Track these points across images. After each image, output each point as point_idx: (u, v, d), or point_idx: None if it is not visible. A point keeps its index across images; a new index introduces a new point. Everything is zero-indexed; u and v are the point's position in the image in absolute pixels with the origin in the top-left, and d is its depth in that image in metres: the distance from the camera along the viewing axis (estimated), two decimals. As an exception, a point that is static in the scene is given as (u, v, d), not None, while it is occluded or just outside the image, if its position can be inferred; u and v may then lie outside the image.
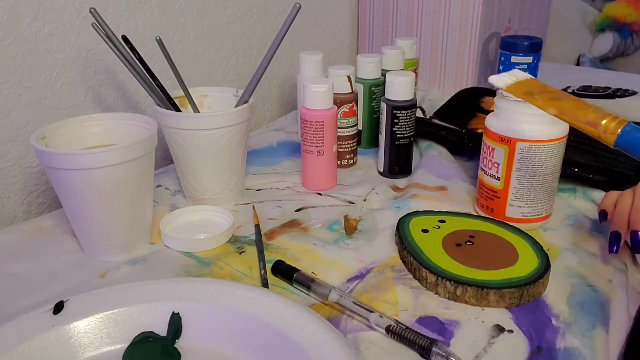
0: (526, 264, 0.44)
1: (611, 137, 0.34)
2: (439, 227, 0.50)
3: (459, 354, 0.36)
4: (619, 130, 0.34)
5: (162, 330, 0.38)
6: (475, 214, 0.54)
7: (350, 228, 0.53)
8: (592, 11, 1.42)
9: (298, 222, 0.55)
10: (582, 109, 0.36)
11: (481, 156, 0.54)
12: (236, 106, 0.55)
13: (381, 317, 0.39)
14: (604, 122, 0.35)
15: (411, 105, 0.61)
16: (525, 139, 0.49)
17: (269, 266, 0.46)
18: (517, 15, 1.02)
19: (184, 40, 0.73)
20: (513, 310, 0.41)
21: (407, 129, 0.62)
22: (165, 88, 0.53)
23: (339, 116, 0.65)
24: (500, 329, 0.39)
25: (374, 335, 0.39)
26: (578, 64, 1.46)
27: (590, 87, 0.91)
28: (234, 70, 0.82)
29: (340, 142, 0.66)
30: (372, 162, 0.69)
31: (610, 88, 0.90)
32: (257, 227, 0.52)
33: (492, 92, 0.81)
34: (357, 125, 0.67)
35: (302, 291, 0.43)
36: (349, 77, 0.65)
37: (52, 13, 0.58)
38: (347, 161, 0.68)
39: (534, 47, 0.85)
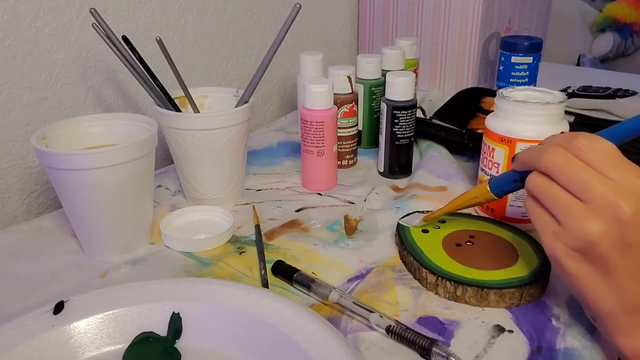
0: (526, 264, 0.44)
1: (488, 195, 0.43)
2: (439, 227, 0.50)
3: (459, 354, 0.36)
4: (487, 187, 0.43)
5: (162, 330, 0.38)
6: (475, 214, 0.54)
7: (350, 228, 0.53)
8: (592, 11, 1.42)
9: (298, 222, 0.55)
10: (460, 199, 0.46)
11: (481, 156, 0.54)
12: (236, 106, 0.55)
13: (381, 317, 0.39)
14: (476, 194, 0.44)
15: (411, 105, 0.61)
16: (525, 139, 0.49)
17: (269, 266, 0.46)
18: (517, 15, 1.02)
19: (184, 40, 0.73)
20: (513, 310, 0.41)
21: (407, 129, 0.62)
22: (165, 88, 0.53)
23: (339, 116, 0.65)
24: (500, 329, 0.39)
25: (374, 335, 0.39)
26: (578, 64, 1.46)
27: (590, 87, 0.91)
28: (234, 70, 0.82)
29: (340, 142, 0.66)
30: (372, 162, 0.69)
31: (610, 88, 0.90)
32: (257, 227, 0.52)
33: (492, 92, 0.81)
34: (357, 125, 0.67)
35: (302, 291, 0.43)
36: (349, 77, 0.65)
37: (52, 13, 0.58)
38: (347, 161, 0.68)
39: (534, 47, 0.85)
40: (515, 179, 0.40)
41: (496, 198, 0.43)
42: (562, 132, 0.41)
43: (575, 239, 0.33)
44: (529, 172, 0.37)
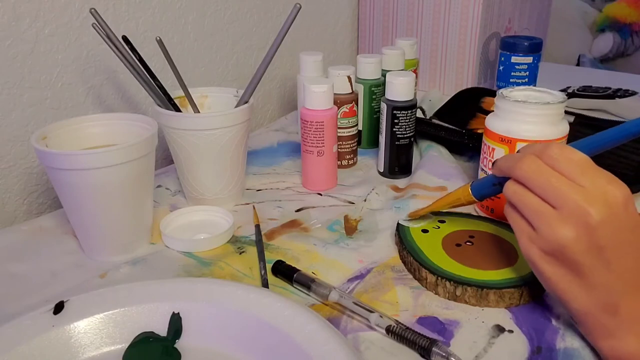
0: (526, 264, 0.44)
1: (469, 197, 0.45)
2: (439, 227, 0.50)
3: (459, 354, 0.36)
4: (469, 190, 0.45)
5: (162, 330, 0.38)
6: (475, 214, 0.54)
7: (350, 228, 0.53)
8: (592, 11, 1.42)
9: (298, 222, 0.55)
10: (444, 199, 0.48)
11: (481, 156, 0.54)
12: (236, 106, 0.55)
13: (381, 317, 0.39)
14: (459, 196, 0.46)
15: (411, 105, 0.61)
16: (525, 139, 0.49)
17: (269, 266, 0.46)
18: (517, 15, 1.02)
19: (184, 40, 0.73)
20: (513, 310, 0.41)
21: (407, 129, 0.62)
22: (165, 88, 0.53)
23: (339, 116, 0.65)
24: (500, 329, 0.39)
25: (374, 335, 0.39)
26: (578, 64, 1.46)
27: (590, 87, 0.91)
28: (234, 70, 0.82)
29: (340, 142, 0.66)
30: (372, 162, 0.69)
31: (610, 88, 0.90)
32: (257, 227, 0.52)
33: (492, 92, 0.81)
34: (357, 125, 0.67)
35: (302, 291, 0.44)
36: (349, 77, 0.65)
37: (52, 13, 0.58)
38: (347, 161, 0.68)
39: (534, 47, 0.85)
40: (494, 183, 0.42)
41: (477, 200, 0.45)
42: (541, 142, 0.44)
43: (548, 243, 0.34)
44: (507, 178, 0.39)
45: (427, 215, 0.52)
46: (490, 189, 0.43)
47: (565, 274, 0.35)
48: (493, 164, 0.41)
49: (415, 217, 0.51)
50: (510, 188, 0.38)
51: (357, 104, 0.67)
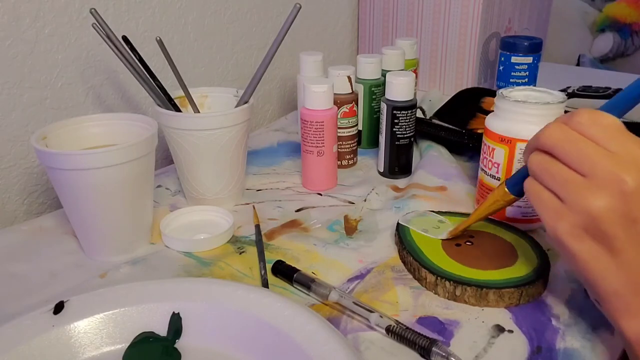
0: (525, 264, 0.44)
1: (507, 195, 0.42)
2: (439, 227, 0.50)
3: (459, 354, 0.36)
4: (505, 189, 0.42)
5: (162, 330, 0.38)
6: (475, 214, 0.54)
7: (350, 228, 0.53)
8: (592, 11, 1.42)
9: (298, 222, 0.55)
10: (482, 207, 0.45)
11: (481, 156, 0.54)
12: (236, 106, 0.55)
13: (381, 317, 0.39)
14: (496, 198, 0.43)
15: (411, 105, 0.61)
16: (525, 139, 0.49)
17: (269, 266, 0.46)
18: (517, 15, 1.02)
19: (184, 40, 0.73)
20: (513, 310, 0.41)
21: (407, 129, 0.62)
22: (165, 88, 0.53)
23: (338, 116, 0.65)
24: (500, 329, 0.39)
25: (374, 335, 0.39)
26: (578, 64, 1.46)
27: (590, 87, 0.91)
28: (234, 70, 0.82)
29: (340, 142, 0.66)
30: (372, 162, 0.69)
31: (610, 88, 0.90)
32: (257, 227, 0.52)
33: (492, 92, 0.82)
34: (357, 125, 0.67)
35: (302, 291, 0.44)
36: (349, 77, 0.65)
37: (52, 13, 0.58)
38: (347, 161, 0.68)
39: (534, 47, 0.85)
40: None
41: (517, 198, 0.42)
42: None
43: (578, 215, 0.32)
44: None
45: (428, 217, 0.52)
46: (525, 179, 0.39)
47: (596, 250, 0.32)
48: (524, 150, 0.38)
49: (457, 234, 0.47)
50: (535, 159, 0.35)
51: (357, 104, 0.67)
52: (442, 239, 0.48)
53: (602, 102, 0.85)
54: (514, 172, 0.50)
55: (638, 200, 0.30)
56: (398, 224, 0.50)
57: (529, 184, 0.36)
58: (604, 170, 0.31)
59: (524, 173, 0.39)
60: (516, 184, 0.41)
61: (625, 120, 0.80)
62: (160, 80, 0.53)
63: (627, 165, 0.31)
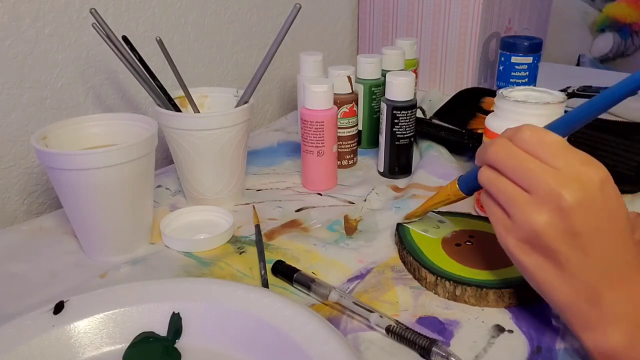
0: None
1: (458, 192, 0.43)
2: (439, 227, 0.50)
3: (459, 354, 0.36)
4: (456, 186, 0.43)
5: (162, 330, 0.38)
6: (475, 213, 0.54)
7: (350, 228, 0.53)
8: (592, 11, 1.42)
9: (298, 222, 0.55)
10: (434, 197, 0.47)
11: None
12: (236, 106, 0.55)
13: (381, 317, 0.39)
14: (447, 193, 0.44)
15: (411, 105, 0.61)
16: (525, 139, 0.49)
17: (269, 266, 0.46)
18: (517, 15, 1.02)
19: (184, 40, 0.73)
20: (513, 310, 0.41)
21: (407, 129, 0.62)
22: (165, 88, 0.53)
23: (339, 116, 0.65)
24: (500, 329, 0.39)
25: (374, 335, 0.39)
26: (578, 64, 1.46)
27: (590, 87, 0.91)
28: (234, 70, 0.82)
29: (340, 142, 0.66)
30: (372, 162, 0.69)
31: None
32: (257, 227, 0.52)
33: (492, 92, 0.82)
34: (357, 125, 0.67)
35: (302, 291, 0.44)
36: (349, 77, 0.65)
37: (52, 13, 0.58)
38: (347, 161, 0.68)
39: (534, 47, 0.85)
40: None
41: (466, 195, 0.43)
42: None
43: (522, 230, 0.33)
44: None
45: (427, 217, 0.52)
46: (475, 182, 0.40)
47: (542, 263, 0.33)
48: (476, 155, 0.39)
49: (411, 219, 0.50)
50: (483, 174, 0.36)
51: (357, 104, 0.67)
52: (401, 224, 0.49)
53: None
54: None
55: (577, 215, 0.31)
56: (398, 224, 0.50)
57: (483, 198, 0.37)
58: (545, 186, 0.32)
59: (473, 173, 0.41)
60: (467, 183, 0.43)
61: (626, 120, 0.80)
62: (160, 80, 0.53)
63: (568, 181, 0.31)
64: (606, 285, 0.32)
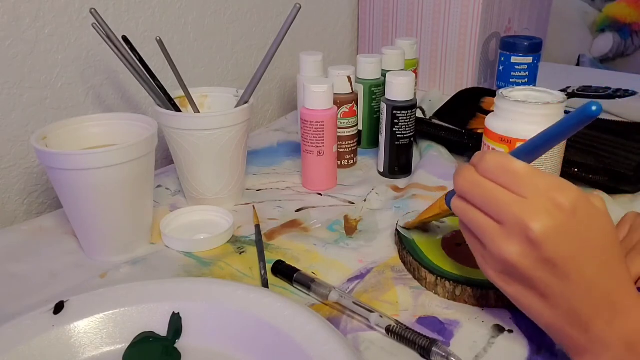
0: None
1: (443, 205, 0.42)
2: (439, 227, 0.50)
3: (459, 354, 0.36)
4: (444, 198, 0.42)
5: (162, 330, 0.38)
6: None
7: (350, 228, 0.53)
8: (592, 11, 1.42)
9: (298, 222, 0.55)
10: (428, 211, 0.46)
11: (481, 156, 0.54)
12: (236, 106, 0.55)
13: (381, 317, 0.39)
14: (438, 207, 0.44)
15: (411, 105, 0.61)
16: (525, 139, 0.48)
17: (269, 266, 0.46)
18: (517, 15, 1.02)
19: (184, 40, 0.73)
20: (513, 310, 0.41)
21: (407, 129, 0.62)
22: (165, 88, 0.53)
23: (338, 116, 0.65)
24: (500, 329, 0.39)
25: (374, 335, 0.39)
26: (578, 64, 1.46)
27: (590, 87, 0.92)
28: (234, 70, 0.82)
29: (340, 142, 0.66)
30: (372, 162, 0.69)
31: (610, 88, 0.90)
32: (257, 227, 0.52)
33: (492, 92, 0.82)
34: (357, 125, 0.67)
35: (302, 291, 0.44)
36: (349, 77, 0.65)
37: (52, 13, 0.58)
38: (347, 161, 0.68)
39: (534, 47, 0.85)
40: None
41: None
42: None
43: (498, 262, 0.32)
44: None
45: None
46: None
47: (524, 291, 0.32)
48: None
49: (410, 227, 0.49)
50: (454, 204, 0.35)
51: (357, 104, 0.67)
52: (401, 232, 0.49)
53: (602, 102, 0.85)
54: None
55: (548, 245, 0.30)
56: (397, 230, 0.50)
57: (461, 226, 0.36)
58: (512, 217, 0.31)
59: (452, 194, 0.40)
60: (449, 201, 0.41)
61: (626, 120, 0.80)
62: (160, 80, 0.53)
63: (535, 210, 0.30)
64: (592, 310, 0.31)
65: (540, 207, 0.30)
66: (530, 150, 0.34)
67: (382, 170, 0.65)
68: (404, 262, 0.47)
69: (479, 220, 0.33)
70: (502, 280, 0.33)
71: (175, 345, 0.37)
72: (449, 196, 0.41)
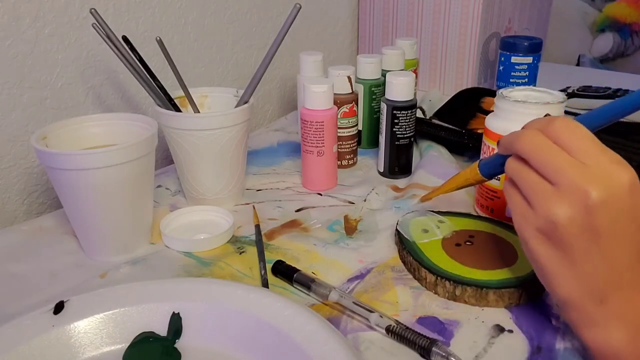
0: (525, 264, 0.44)
1: (478, 176, 0.44)
2: (439, 227, 0.50)
3: (459, 354, 0.36)
4: (477, 167, 0.44)
5: (162, 330, 0.38)
6: (475, 214, 0.54)
7: (350, 228, 0.53)
8: (592, 11, 1.42)
9: (298, 222, 0.55)
10: (453, 180, 0.47)
11: (481, 156, 0.54)
12: (236, 106, 0.55)
13: (381, 317, 0.39)
14: (467, 176, 0.45)
15: (411, 105, 0.61)
16: (525, 139, 0.49)
17: (269, 266, 0.46)
18: (517, 15, 1.02)
19: (184, 40, 0.73)
20: (513, 310, 0.41)
21: (407, 129, 0.62)
22: (165, 88, 0.53)
23: (338, 116, 0.65)
24: (500, 329, 0.39)
25: (374, 335, 0.39)
26: (578, 64, 1.46)
27: (590, 87, 0.91)
28: (234, 70, 0.82)
29: (340, 142, 0.66)
30: (372, 162, 0.69)
31: (610, 88, 0.90)
32: (257, 227, 0.52)
33: (492, 92, 0.82)
34: (357, 125, 0.67)
35: (302, 291, 0.44)
36: (349, 77, 0.65)
37: (52, 13, 0.58)
38: (347, 161, 0.68)
39: (534, 47, 0.85)
40: (502, 163, 0.40)
41: (486, 179, 0.44)
42: (545, 115, 0.41)
43: (542, 220, 0.33)
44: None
45: (428, 217, 0.52)
46: (497, 168, 0.41)
47: (556, 256, 0.33)
48: (498, 142, 0.39)
49: (427, 200, 0.51)
50: (510, 164, 0.36)
51: (357, 104, 0.67)
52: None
53: (602, 102, 0.85)
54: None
55: (601, 214, 0.30)
56: (397, 230, 0.50)
57: (505, 186, 0.37)
58: (571, 181, 0.31)
59: (496, 159, 0.41)
60: (488, 168, 0.43)
61: (626, 120, 0.80)
62: (160, 80, 0.53)
63: (595, 178, 0.31)
64: (615, 286, 0.32)
65: (601, 176, 0.31)
66: (596, 120, 0.35)
67: (382, 170, 0.65)
68: (404, 262, 0.47)
69: (533, 180, 0.33)
70: (537, 240, 0.33)
71: (175, 345, 0.37)
72: (487, 163, 0.43)
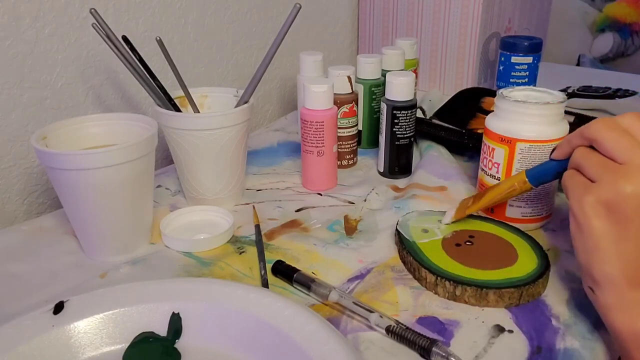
0: (525, 264, 0.44)
1: (525, 183, 0.46)
2: (439, 227, 0.50)
3: (459, 354, 0.36)
4: (525, 177, 0.45)
5: (162, 330, 0.38)
6: (475, 214, 0.54)
7: (350, 228, 0.53)
8: (592, 11, 1.42)
9: (298, 222, 0.55)
10: (496, 189, 0.48)
11: (481, 156, 0.54)
12: (236, 106, 0.55)
13: (381, 317, 0.39)
14: (515, 183, 0.46)
15: (411, 105, 0.61)
16: (525, 139, 0.49)
17: (269, 266, 0.46)
18: (517, 15, 1.02)
19: (184, 40, 0.73)
20: (513, 310, 0.41)
21: (407, 129, 0.62)
22: (165, 88, 0.53)
23: (338, 116, 0.65)
24: (500, 329, 0.39)
25: (374, 335, 0.39)
26: (578, 64, 1.46)
27: (590, 87, 0.91)
28: (234, 70, 0.82)
29: (340, 142, 0.66)
30: (372, 162, 0.69)
31: (610, 88, 0.90)
32: (257, 227, 0.52)
33: (492, 92, 0.81)
34: (357, 125, 0.67)
35: (302, 291, 0.44)
36: (349, 77, 0.65)
37: (52, 13, 0.58)
38: (347, 161, 0.68)
39: (534, 47, 0.85)
40: (559, 171, 0.42)
41: (532, 188, 0.46)
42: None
43: (606, 191, 0.34)
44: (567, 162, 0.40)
45: (428, 217, 0.52)
46: (551, 175, 0.43)
47: (609, 230, 0.34)
48: (553, 150, 0.42)
49: (463, 217, 0.50)
50: (579, 151, 0.38)
51: (357, 104, 0.67)
52: (446, 223, 0.50)
53: (602, 102, 0.85)
54: (514, 172, 0.50)
55: None
56: (397, 230, 0.50)
57: (566, 174, 0.39)
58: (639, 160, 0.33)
59: (546, 167, 0.44)
60: (539, 177, 0.45)
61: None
62: (160, 80, 0.53)
63: None
64: None
65: None
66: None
67: (382, 170, 0.65)
68: (404, 262, 0.47)
69: (601, 160, 0.36)
70: (595, 212, 0.35)
71: (175, 345, 0.37)
72: (538, 172, 0.45)
